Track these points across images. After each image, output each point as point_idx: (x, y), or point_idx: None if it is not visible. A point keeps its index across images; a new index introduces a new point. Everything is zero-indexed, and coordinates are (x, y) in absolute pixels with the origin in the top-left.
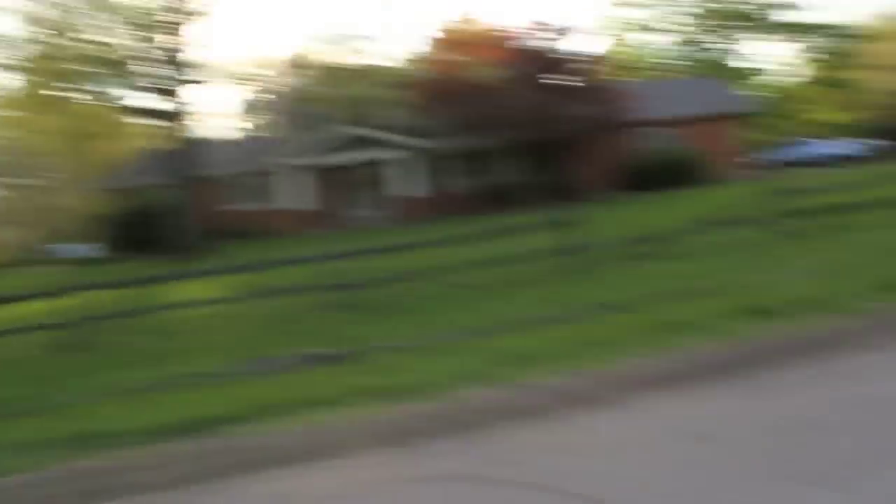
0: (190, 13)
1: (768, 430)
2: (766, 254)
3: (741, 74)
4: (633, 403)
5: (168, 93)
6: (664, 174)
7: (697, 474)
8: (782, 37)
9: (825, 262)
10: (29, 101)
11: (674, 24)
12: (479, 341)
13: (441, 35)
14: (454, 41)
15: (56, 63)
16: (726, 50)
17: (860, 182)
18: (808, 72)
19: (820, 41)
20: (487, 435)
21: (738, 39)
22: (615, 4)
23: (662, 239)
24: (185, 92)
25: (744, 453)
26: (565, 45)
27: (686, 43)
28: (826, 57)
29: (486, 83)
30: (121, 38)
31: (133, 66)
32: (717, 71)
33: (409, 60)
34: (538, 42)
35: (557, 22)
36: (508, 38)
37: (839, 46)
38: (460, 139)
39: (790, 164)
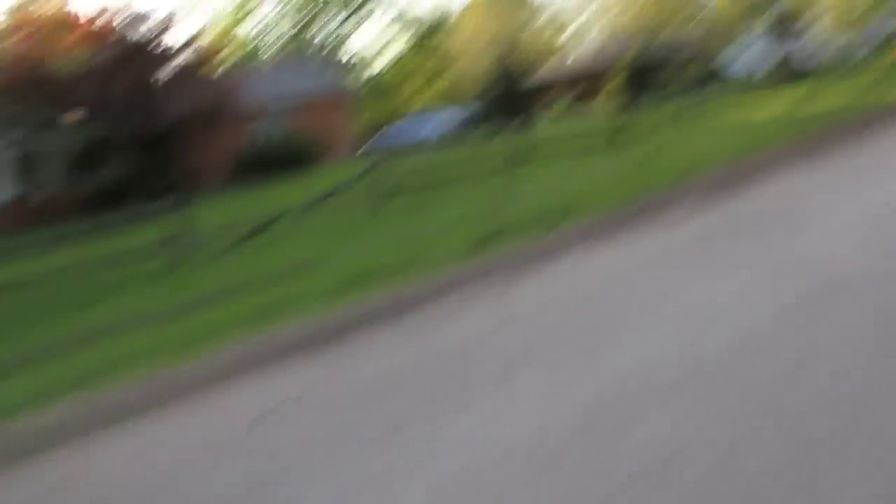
0: None
1: (346, 393)
2: (364, 227)
3: (348, 56)
4: (219, 395)
5: None
6: (279, 159)
7: (266, 453)
8: (382, 20)
9: (415, 230)
10: None
11: (277, 10)
12: (54, 359)
13: (16, 20)
14: (35, 27)
15: None
16: (333, 33)
17: (448, 159)
18: (410, 53)
19: (417, 23)
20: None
21: (342, 23)
22: None
23: (269, 223)
24: None
25: (317, 421)
26: (166, 32)
27: (292, 28)
28: (424, 39)
29: (78, 73)
30: None
31: None
32: (324, 53)
33: None
34: (134, 29)
35: (155, 8)
36: (101, 25)
37: (435, 28)
38: (55, 136)
39: (396, 142)
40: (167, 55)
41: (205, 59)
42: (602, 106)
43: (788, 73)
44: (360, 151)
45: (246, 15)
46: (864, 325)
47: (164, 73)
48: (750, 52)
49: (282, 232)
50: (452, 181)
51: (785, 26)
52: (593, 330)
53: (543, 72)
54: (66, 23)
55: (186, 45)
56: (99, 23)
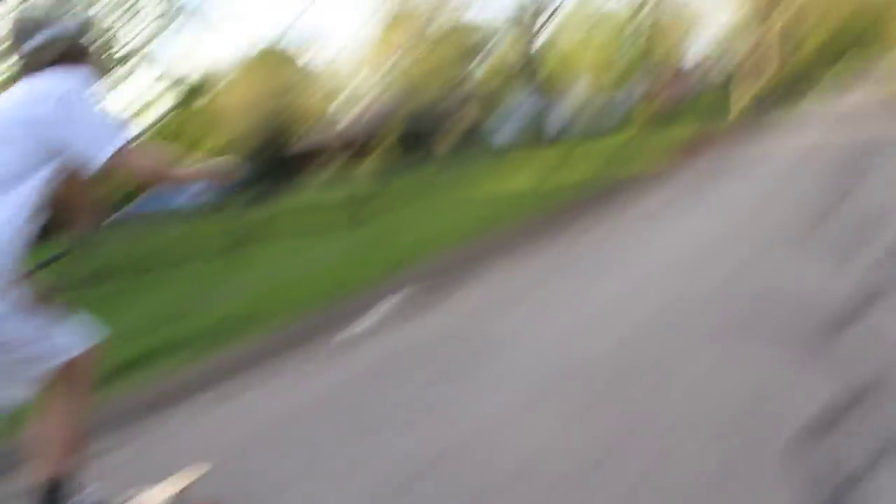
0: None
1: None
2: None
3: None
4: None
5: None
6: None
7: None
8: (145, 79)
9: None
10: None
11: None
12: None
13: None
14: None
15: None
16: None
17: (180, 234)
18: (174, 113)
19: (182, 83)
20: None
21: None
22: None
23: None
24: None
25: None
26: None
27: None
28: (189, 99)
29: None
30: None
31: None
32: None
33: None
34: None
35: None
36: None
37: (200, 89)
38: None
39: (146, 209)
40: None
41: None
42: (367, 172)
43: (542, 136)
44: (106, 221)
45: None
46: None
47: None
48: (514, 118)
49: None
50: (169, 263)
51: (541, 89)
52: None
53: (313, 136)
54: None
55: None
56: None
